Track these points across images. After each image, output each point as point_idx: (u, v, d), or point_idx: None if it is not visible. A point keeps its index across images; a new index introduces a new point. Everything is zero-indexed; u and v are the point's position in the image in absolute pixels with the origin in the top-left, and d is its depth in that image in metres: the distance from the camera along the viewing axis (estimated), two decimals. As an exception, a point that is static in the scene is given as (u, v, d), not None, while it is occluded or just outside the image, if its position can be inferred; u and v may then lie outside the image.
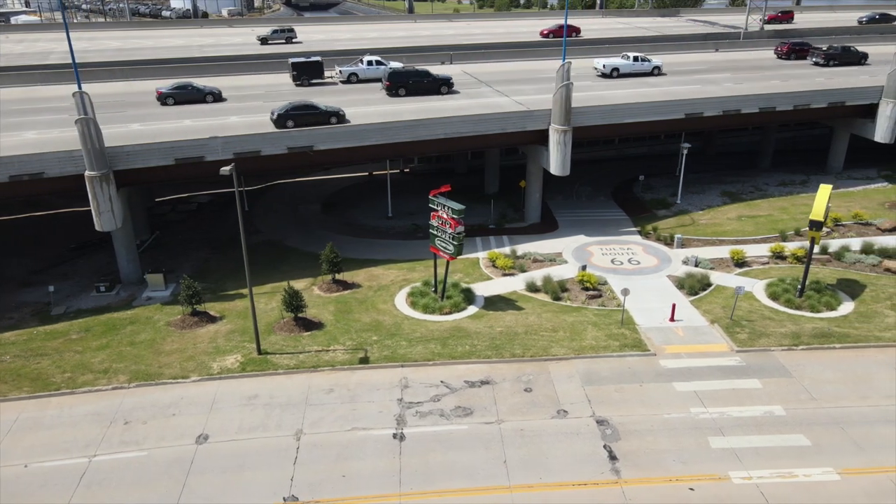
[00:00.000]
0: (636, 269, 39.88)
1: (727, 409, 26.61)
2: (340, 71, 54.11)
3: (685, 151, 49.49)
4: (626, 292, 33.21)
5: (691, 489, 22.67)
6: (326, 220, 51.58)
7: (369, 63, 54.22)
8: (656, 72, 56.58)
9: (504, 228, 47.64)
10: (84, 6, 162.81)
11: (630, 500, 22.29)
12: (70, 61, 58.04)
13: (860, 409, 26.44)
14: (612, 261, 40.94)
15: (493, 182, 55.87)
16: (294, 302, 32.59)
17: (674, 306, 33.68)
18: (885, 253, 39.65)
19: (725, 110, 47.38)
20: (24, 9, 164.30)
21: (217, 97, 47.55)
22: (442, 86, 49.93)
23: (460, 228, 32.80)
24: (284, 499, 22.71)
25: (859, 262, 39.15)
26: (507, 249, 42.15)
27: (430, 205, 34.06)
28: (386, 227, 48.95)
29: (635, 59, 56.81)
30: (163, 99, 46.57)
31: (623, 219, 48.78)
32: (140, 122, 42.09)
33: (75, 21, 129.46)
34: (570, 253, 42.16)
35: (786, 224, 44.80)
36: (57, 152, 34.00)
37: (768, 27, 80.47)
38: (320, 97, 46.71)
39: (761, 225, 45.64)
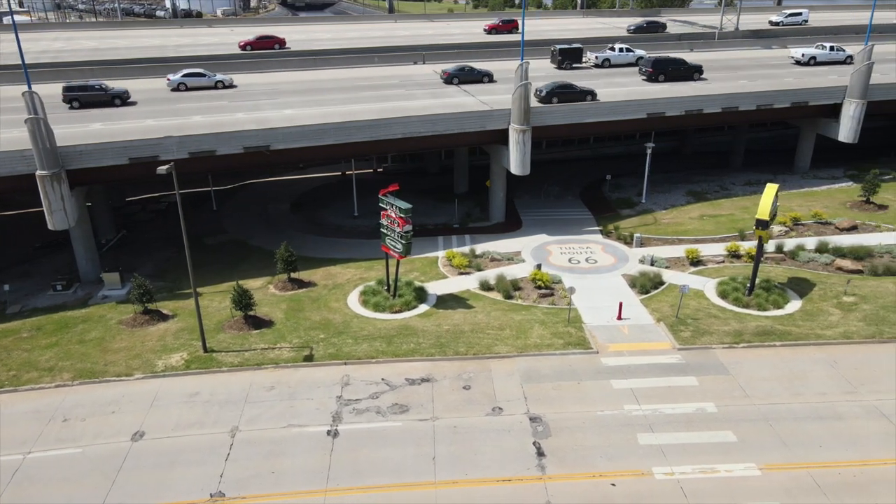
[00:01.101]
0: (592, 267, 40.12)
1: (660, 406, 26.86)
2: (596, 56, 60.59)
3: (649, 151, 49.72)
4: (571, 291, 33.48)
5: (613, 485, 22.91)
6: (294, 219, 51.82)
7: (620, 50, 60.49)
8: (849, 61, 59.04)
9: (468, 228, 47.91)
10: (80, 6, 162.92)
11: (552, 496, 22.53)
12: (46, 61, 58.82)
13: (790, 405, 26.69)
14: (570, 260, 41.18)
15: (463, 182, 56.15)
16: (243, 300, 32.82)
17: (620, 305, 33.93)
18: (840, 252, 39.90)
19: (687, 110, 47.63)
20: (18, 9, 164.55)
21: (491, 78, 53.81)
22: (695, 72, 54.74)
23: (408, 227, 33.03)
24: (211, 495, 22.93)
25: (813, 261, 39.40)
26: (466, 248, 42.38)
27: (380, 204, 34.31)
28: (351, 226, 49.20)
29: (831, 48, 60.71)
30: (449, 80, 53.34)
31: (587, 218, 49.02)
32: (102, 122, 42.34)
33: (68, 21, 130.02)
34: (528, 252, 42.40)
35: (746, 223, 44.98)
36: (7, 151, 34.21)
37: (490, 38, 72.75)
38: (578, 80, 52.05)
39: (722, 224, 45.91)
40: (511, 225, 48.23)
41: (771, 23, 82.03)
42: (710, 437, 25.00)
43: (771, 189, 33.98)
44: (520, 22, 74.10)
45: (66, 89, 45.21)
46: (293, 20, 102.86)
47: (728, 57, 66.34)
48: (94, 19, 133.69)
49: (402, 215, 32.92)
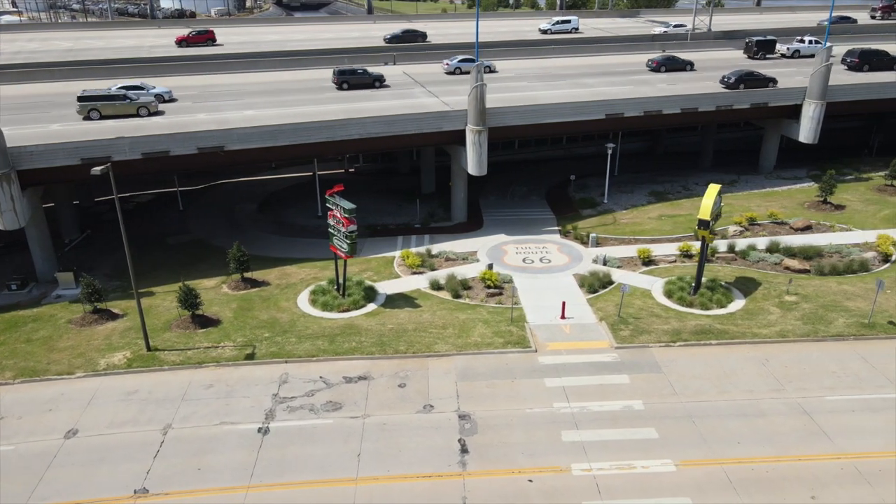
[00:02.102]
0: (545, 267, 40.47)
1: (589, 403, 27.21)
2: (787, 48, 66.08)
3: (610, 152, 50.10)
4: (513, 290, 33.85)
5: (530, 481, 23.26)
6: (260, 219, 52.19)
7: (809, 42, 65.86)
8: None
9: (429, 227, 48.28)
10: (74, 6, 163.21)
11: (468, 492, 22.89)
12: (19, 62, 59.12)
13: (716, 403, 27.06)
14: (524, 259, 41.52)
15: (429, 182, 56.55)
16: (188, 300, 33.13)
17: (563, 304, 34.28)
18: (790, 252, 40.29)
19: (646, 111, 47.99)
20: (10, 9, 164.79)
21: (692, 67, 60.00)
22: (893, 63, 58.58)
23: (352, 227, 33.39)
24: (135, 491, 23.27)
25: (763, 261, 39.77)
26: (422, 248, 42.69)
27: (327, 204, 34.68)
28: (314, 226, 49.49)
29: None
30: (657, 68, 59.64)
31: (549, 218, 49.40)
32: (60, 123, 42.69)
33: (60, 21, 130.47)
34: (484, 252, 42.74)
35: (704, 223, 45.31)
36: (-43, 153, 34.53)
37: (181, 51, 66.03)
38: (766, 69, 57.77)
39: (679, 224, 46.27)
40: (472, 225, 48.60)
41: (541, 31, 78.16)
42: (632, 434, 25.36)
43: (712, 190, 34.37)
44: (216, 32, 71.91)
45: (338, 73, 53.28)
46: (268, 21, 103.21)
47: (699, 58, 66.67)
48: (83, 19, 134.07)
49: (346, 215, 33.28)
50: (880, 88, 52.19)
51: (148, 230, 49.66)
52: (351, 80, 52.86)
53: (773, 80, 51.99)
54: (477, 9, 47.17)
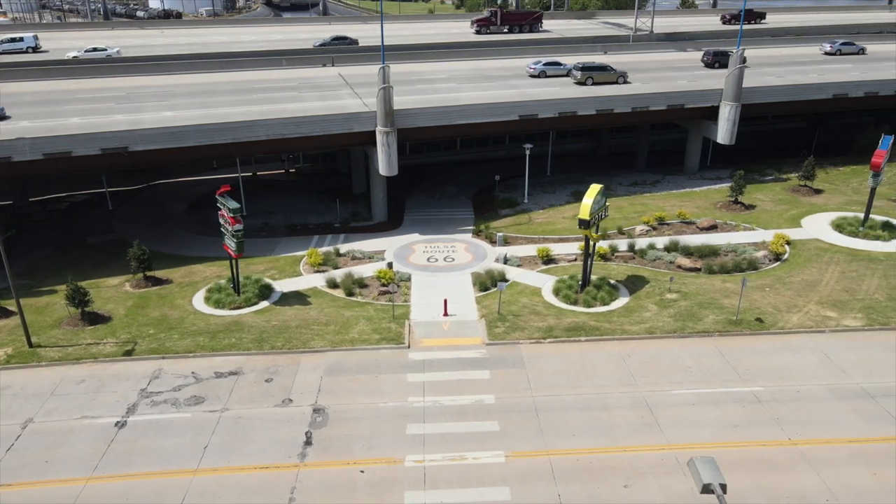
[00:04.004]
0: (447, 265, 41.18)
1: (442, 398, 27.90)
2: None
3: (528, 152, 50.82)
4: (394, 289, 34.61)
5: (361, 472, 23.97)
6: (186, 219, 52.83)
7: None
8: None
9: (348, 227, 48.95)
10: (64, 6, 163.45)
11: (300, 482, 23.58)
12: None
13: (565, 397, 27.77)
14: (429, 259, 42.22)
15: (361, 182, 57.19)
16: (76, 297, 33.78)
17: (445, 301, 34.99)
18: (688, 251, 41.04)
19: (561, 112, 48.74)
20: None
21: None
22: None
23: (238, 226, 34.08)
24: (-22, 482, 23.95)
25: (658, 260, 40.53)
26: (330, 248, 43.36)
27: (217, 204, 35.35)
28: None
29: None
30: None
31: (468, 218, 50.12)
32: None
33: (42, 22, 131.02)
34: (392, 251, 43.44)
35: (614, 223, 46.11)
36: None
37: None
38: None
39: (591, 224, 46.92)
40: (391, 224, 49.27)
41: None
42: (474, 427, 26.04)
43: (593, 190, 35.03)
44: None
45: (714, 54, 61.63)
46: (220, 22, 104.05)
47: (639, 59, 67.52)
48: (64, 20, 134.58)
49: (231, 214, 33.96)
50: (796, 91, 53.01)
51: (75, 230, 50.33)
52: (721, 60, 59.88)
53: None
54: (381, 11, 47.73)
